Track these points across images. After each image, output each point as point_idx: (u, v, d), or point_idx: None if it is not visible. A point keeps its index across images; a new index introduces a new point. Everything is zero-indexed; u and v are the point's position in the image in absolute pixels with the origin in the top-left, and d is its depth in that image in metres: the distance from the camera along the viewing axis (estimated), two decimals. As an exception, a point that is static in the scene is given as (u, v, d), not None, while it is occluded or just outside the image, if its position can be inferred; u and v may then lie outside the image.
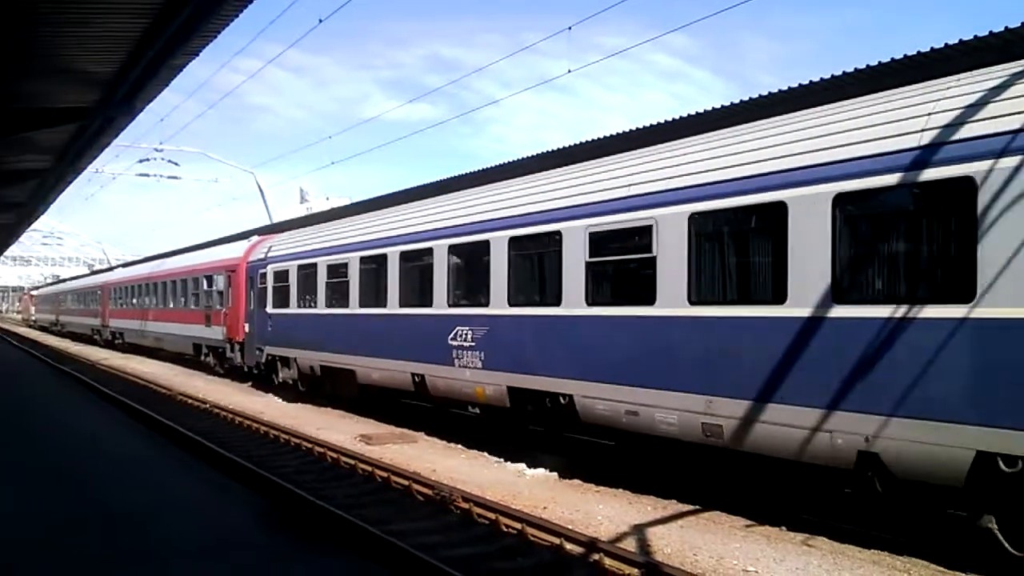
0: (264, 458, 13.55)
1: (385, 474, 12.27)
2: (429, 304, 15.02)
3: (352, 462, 13.22)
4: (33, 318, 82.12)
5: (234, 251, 28.04)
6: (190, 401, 21.23)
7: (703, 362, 9.71)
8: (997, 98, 7.40)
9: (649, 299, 10.43)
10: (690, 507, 10.59)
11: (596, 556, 8.41)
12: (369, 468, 12.70)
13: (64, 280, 75.18)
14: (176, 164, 44.35)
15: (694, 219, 9.92)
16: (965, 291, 7.31)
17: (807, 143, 8.80)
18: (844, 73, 10.92)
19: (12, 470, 11.37)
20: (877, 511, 8.74)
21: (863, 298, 8.28)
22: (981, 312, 7.18)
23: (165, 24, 10.19)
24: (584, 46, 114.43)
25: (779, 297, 8.89)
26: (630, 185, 10.87)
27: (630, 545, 8.92)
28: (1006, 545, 7.39)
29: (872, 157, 8.08)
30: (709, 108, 12.86)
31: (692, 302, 9.92)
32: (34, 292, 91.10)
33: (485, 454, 14.18)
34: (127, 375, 28.83)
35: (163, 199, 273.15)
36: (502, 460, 13.66)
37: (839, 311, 8.32)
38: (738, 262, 9.68)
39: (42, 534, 8.26)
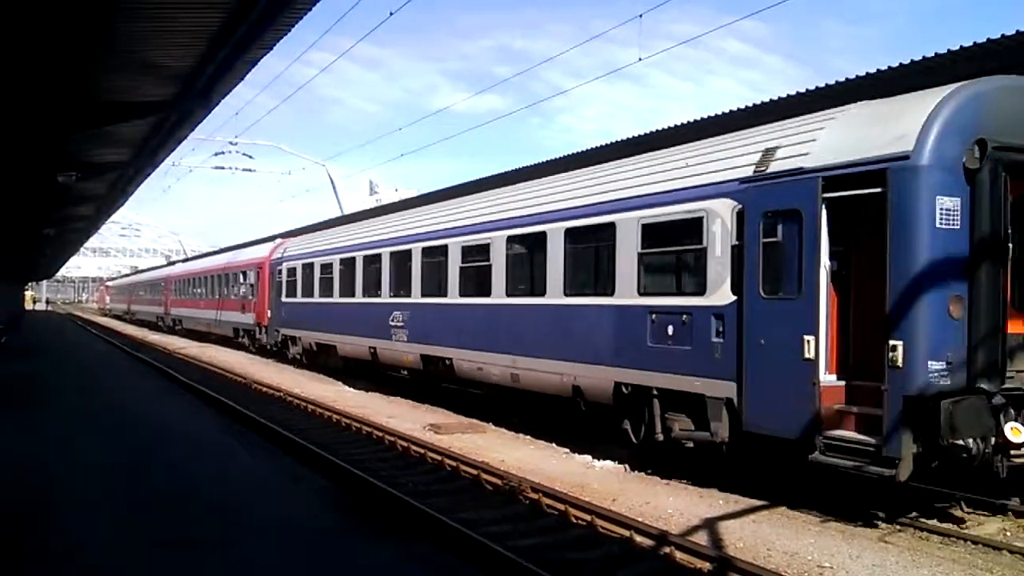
0: (336, 446, 13.84)
1: (454, 463, 12.41)
2: (378, 295, 20.54)
3: (422, 451, 13.41)
4: (108, 307, 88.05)
5: (261, 251, 34.08)
6: (264, 389, 21.78)
7: (511, 333, 14.89)
8: (619, 179, 12.97)
9: (488, 292, 15.63)
10: (762, 502, 10.47)
11: (667, 549, 8.38)
12: (438, 457, 12.87)
13: (134, 273, 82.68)
14: (251, 157, 45.40)
15: (509, 240, 15.14)
16: (609, 288, 12.44)
17: (557, 195, 14.31)
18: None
19: (99, 458, 11.79)
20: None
21: (576, 292, 13.41)
22: (616, 300, 12.31)
23: (240, 18, 10.40)
24: (655, 34, 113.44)
25: (543, 291, 14.05)
26: (479, 217, 16.43)
27: (701, 539, 8.85)
28: (632, 437, 12.20)
29: (577, 208, 13.46)
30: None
31: (508, 294, 15.13)
32: (109, 284, 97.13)
33: (553, 445, 14.25)
34: (204, 363, 29.76)
35: (238, 191, 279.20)
36: (570, 452, 13.73)
37: (566, 300, 13.58)
38: (530, 268, 14.72)
39: (124, 513, 8.55)
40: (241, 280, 34.86)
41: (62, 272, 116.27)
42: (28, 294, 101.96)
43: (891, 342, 8.55)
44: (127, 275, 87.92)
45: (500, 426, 16.07)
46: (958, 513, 9.90)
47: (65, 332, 51.84)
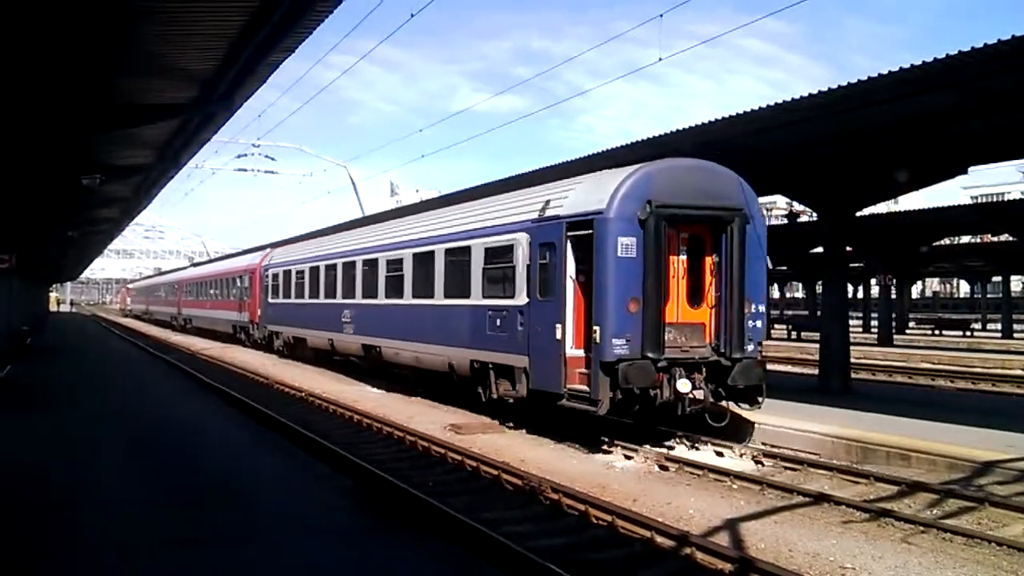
0: (358, 445, 14.08)
1: (474, 463, 12.64)
2: (335, 297, 25.98)
3: (442, 451, 13.66)
4: (129, 308, 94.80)
5: (254, 259, 40.16)
6: (286, 390, 22.12)
7: (414, 326, 20.12)
8: (476, 215, 17.96)
9: (401, 295, 20.94)
10: (784, 503, 10.50)
11: (688, 550, 8.49)
12: (459, 457, 13.16)
13: (151, 276, 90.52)
14: (273, 159, 46.14)
15: (414, 256, 20.38)
16: (467, 293, 17.29)
17: (441, 225, 19.60)
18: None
19: (125, 455, 11.94)
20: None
21: (450, 295, 18.28)
22: (468, 302, 17.20)
23: (262, 21, 10.54)
24: (675, 33, 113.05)
25: (432, 294, 19.17)
26: (397, 238, 21.94)
27: (722, 540, 8.99)
28: (482, 398, 16.79)
29: (451, 234, 18.51)
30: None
31: (413, 297, 20.37)
32: (130, 286, 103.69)
33: (573, 446, 14.44)
34: (226, 364, 30.56)
35: (261, 193, 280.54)
36: (590, 452, 13.86)
37: (444, 301, 18.57)
38: (425, 277, 19.64)
39: (145, 512, 8.65)
40: (238, 284, 40.95)
41: (86, 274, 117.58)
42: (53, 296, 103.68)
43: (594, 327, 13.58)
44: (145, 278, 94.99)
45: (520, 427, 16.10)
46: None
47: (89, 334, 52.58)
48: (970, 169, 19.08)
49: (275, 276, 33.01)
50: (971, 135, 16.35)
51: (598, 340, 13.31)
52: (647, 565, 8.26)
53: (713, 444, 14.20)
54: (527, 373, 14.98)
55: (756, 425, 14.76)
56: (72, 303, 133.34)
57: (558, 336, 14.11)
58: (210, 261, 65.40)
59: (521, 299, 15.24)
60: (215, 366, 30.39)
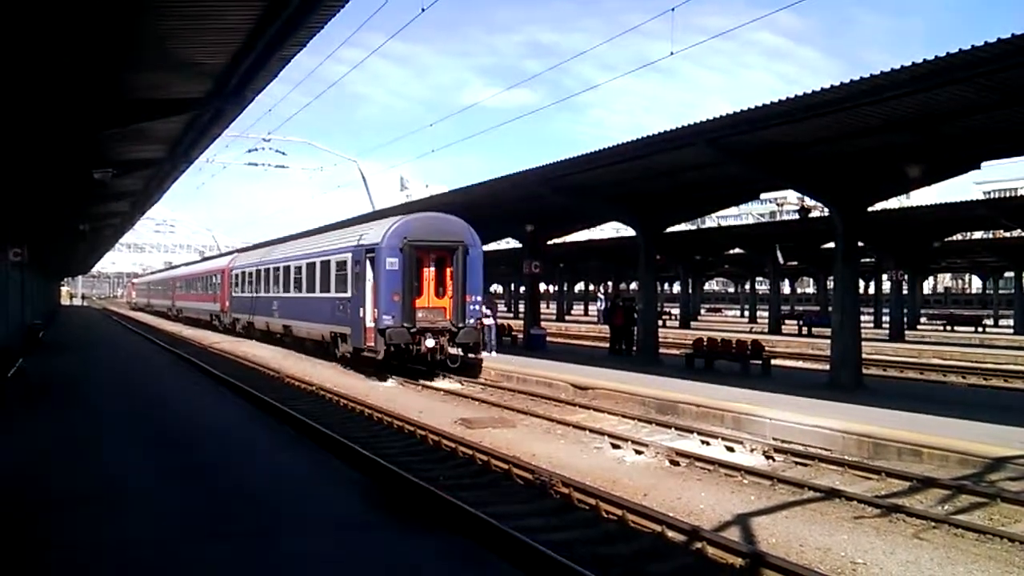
0: (368, 439, 14.15)
1: (485, 458, 12.70)
2: (269, 292, 35.99)
3: (453, 445, 13.62)
4: (135, 301, 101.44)
5: (225, 261, 49.93)
6: (298, 383, 22.23)
7: (308, 311, 30.24)
8: (334, 239, 29.88)
9: (302, 291, 31.09)
10: (795, 498, 10.50)
11: (699, 544, 8.48)
12: (469, 452, 13.15)
13: (152, 273, 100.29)
14: (283, 153, 46.52)
15: (307, 264, 30.45)
16: (329, 289, 27.68)
17: (324, 243, 30.66)
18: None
19: (147, 451, 12.04)
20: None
21: (322, 291, 28.46)
22: (329, 295, 27.58)
23: (275, 15, 10.53)
24: (687, 27, 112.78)
25: (315, 289, 29.33)
26: (302, 251, 32.62)
27: (733, 534, 9.04)
28: (336, 354, 27.37)
29: (325, 251, 29.05)
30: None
31: (308, 292, 30.32)
32: (135, 281, 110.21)
33: (584, 440, 14.41)
34: (237, 358, 30.85)
35: (272, 187, 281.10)
36: (601, 447, 13.81)
37: (320, 295, 28.73)
38: (312, 279, 29.63)
39: (179, 508, 8.63)
40: (214, 281, 49.73)
41: (97, 267, 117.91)
42: (64, 290, 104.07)
43: (375, 308, 23.28)
44: (147, 275, 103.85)
45: (531, 421, 16.14)
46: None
47: (101, 328, 52.91)
48: (983, 164, 19.04)
49: (237, 276, 43.18)
50: (985, 130, 16.28)
51: (376, 316, 23.02)
52: (658, 559, 8.27)
53: (724, 439, 14.26)
54: (351, 337, 24.81)
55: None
56: (83, 297, 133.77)
57: (362, 315, 23.87)
58: (197, 261, 78.28)
59: (349, 293, 25.11)
60: (229, 360, 30.58)
